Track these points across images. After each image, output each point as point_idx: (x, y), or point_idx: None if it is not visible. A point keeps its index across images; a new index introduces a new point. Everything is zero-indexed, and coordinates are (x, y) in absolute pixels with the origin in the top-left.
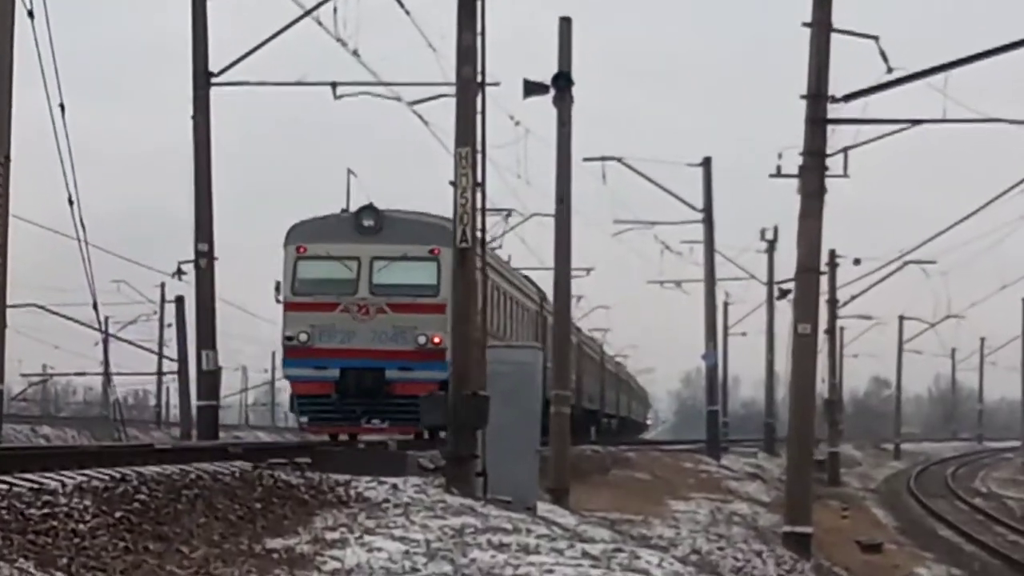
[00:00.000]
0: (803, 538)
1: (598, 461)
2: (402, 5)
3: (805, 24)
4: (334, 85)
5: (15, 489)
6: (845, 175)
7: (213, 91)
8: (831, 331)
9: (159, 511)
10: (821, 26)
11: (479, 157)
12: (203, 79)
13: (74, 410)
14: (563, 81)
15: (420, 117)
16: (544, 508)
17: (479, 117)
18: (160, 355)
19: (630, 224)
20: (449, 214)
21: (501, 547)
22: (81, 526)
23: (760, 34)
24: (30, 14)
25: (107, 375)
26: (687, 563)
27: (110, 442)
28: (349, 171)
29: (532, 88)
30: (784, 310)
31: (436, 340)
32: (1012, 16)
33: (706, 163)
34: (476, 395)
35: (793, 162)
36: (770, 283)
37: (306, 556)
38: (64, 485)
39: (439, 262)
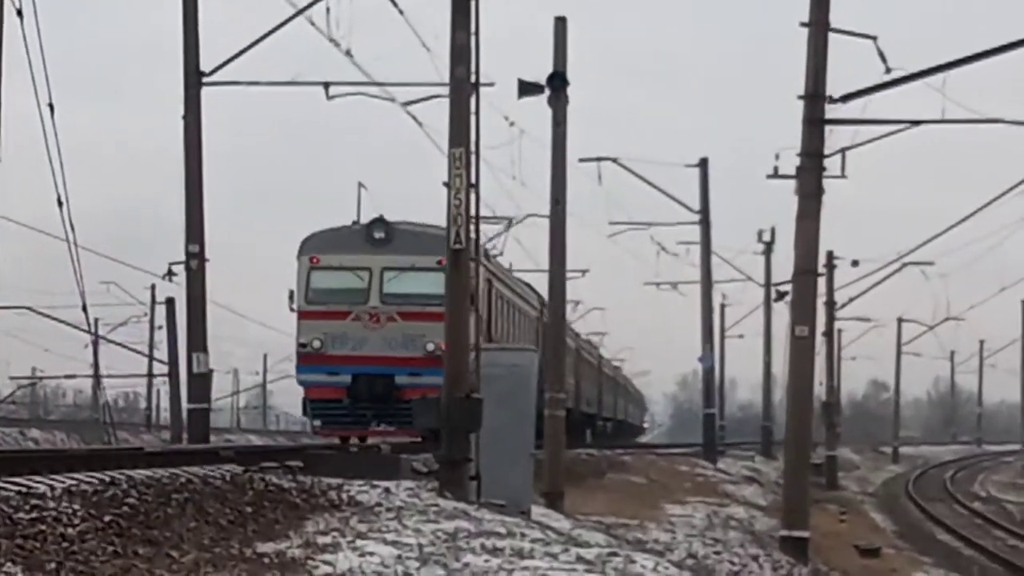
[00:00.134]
0: (800, 542)
1: (593, 464)
2: (395, 5)
3: (803, 24)
4: (327, 85)
5: (3, 493)
6: (843, 176)
7: (205, 91)
8: (829, 333)
9: (149, 515)
10: (819, 26)
11: (473, 158)
12: (194, 78)
13: (63, 413)
14: (558, 81)
15: (414, 117)
16: (538, 512)
17: (473, 117)
18: (150, 357)
19: (626, 225)
20: (444, 216)
21: (495, 551)
22: (70, 530)
23: (758, 34)
24: (19, 13)
25: (97, 378)
26: (683, 568)
27: (100, 445)
28: (360, 184)
29: (527, 88)
30: (781, 312)
31: (444, 347)
32: (1011, 16)
33: (703, 164)
34: (470, 397)
35: (791, 163)
36: (767, 285)
37: (297, 560)
38: (53, 489)
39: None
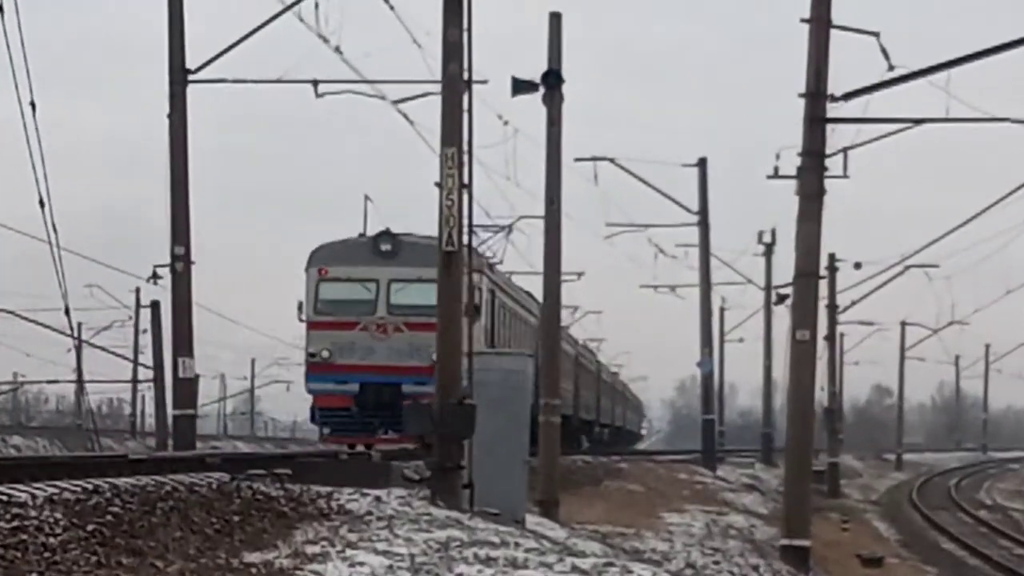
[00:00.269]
0: (801, 552)
1: (589, 472)
2: (386, 0)
3: (804, 20)
4: (315, 83)
5: None
6: (845, 176)
7: (190, 89)
8: (831, 337)
9: (133, 524)
10: (820, 22)
11: (466, 158)
12: (180, 76)
13: (46, 419)
14: (553, 79)
15: (405, 116)
16: (533, 521)
17: (466, 116)
18: (135, 362)
19: (623, 227)
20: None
21: (488, 561)
22: (52, 540)
23: (758, 31)
24: None
25: (80, 383)
26: None
27: (83, 452)
28: (366, 197)
29: (521, 86)
30: (782, 316)
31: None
32: (1017, 12)
33: (701, 164)
34: (463, 403)
35: (791, 163)
36: (768, 288)
37: (286, 571)
38: (34, 497)
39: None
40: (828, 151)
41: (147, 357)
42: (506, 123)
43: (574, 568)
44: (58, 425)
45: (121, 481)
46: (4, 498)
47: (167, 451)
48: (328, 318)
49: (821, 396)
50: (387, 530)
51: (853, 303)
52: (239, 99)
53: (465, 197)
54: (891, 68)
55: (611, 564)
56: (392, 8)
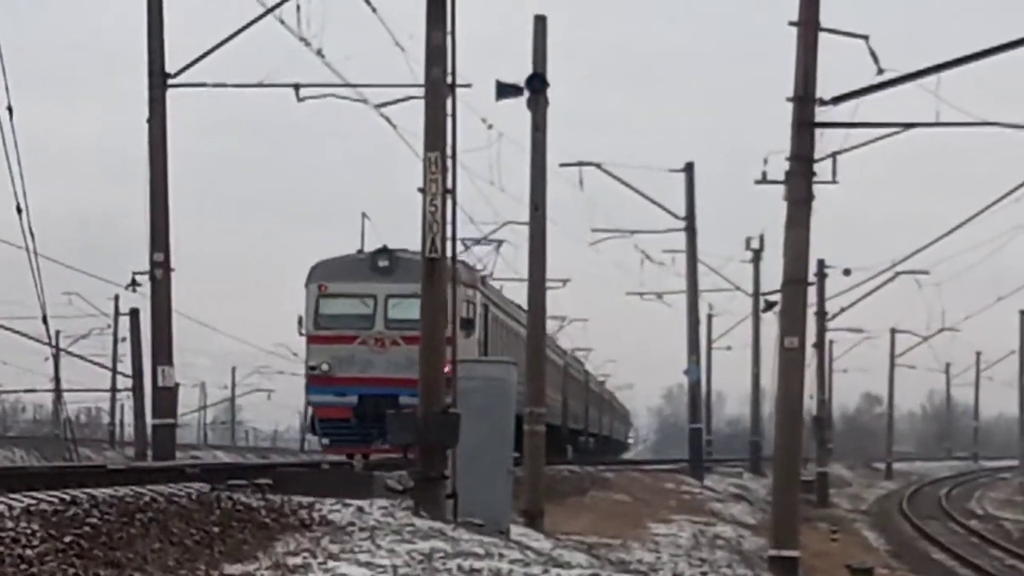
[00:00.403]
0: (790, 562)
1: (575, 482)
2: (368, 3)
3: (792, 23)
4: (297, 87)
5: None
6: (834, 181)
7: (170, 93)
8: (819, 345)
9: (111, 535)
10: (808, 25)
11: (449, 162)
12: (159, 80)
13: (23, 429)
14: (538, 83)
15: (387, 120)
16: (517, 531)
17: (449, 120)
18: (114, 371)
19: (609, 233)
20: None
21: (472, 573)
22: (29, 551)
23: (746, 34)
24: None
25: (58, 392)
26: None
27: (60, 463)
28: (363, 215)
29: (505, 90)
30: (770, 323)
31: (445, 369)
32: (1007, 15)
33: (688, 169)
34: (446, 412)
35: (779, 168)
36: (756, 294)
37: None
38: (11, 508)
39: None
40: (817, 156)
41: (126, 366)
42: (490, 127)
43: None
44: (35, 435)
45: (99, 492)
46: None
47: (146, 461)
48: (328, 332)
49: (810, 404)
50: (369, 541)
51: (842, 310)
52: (220, 103)
53: (449, 203)
54: (880, 72)
55: (597, 575)
56: (375, 11)
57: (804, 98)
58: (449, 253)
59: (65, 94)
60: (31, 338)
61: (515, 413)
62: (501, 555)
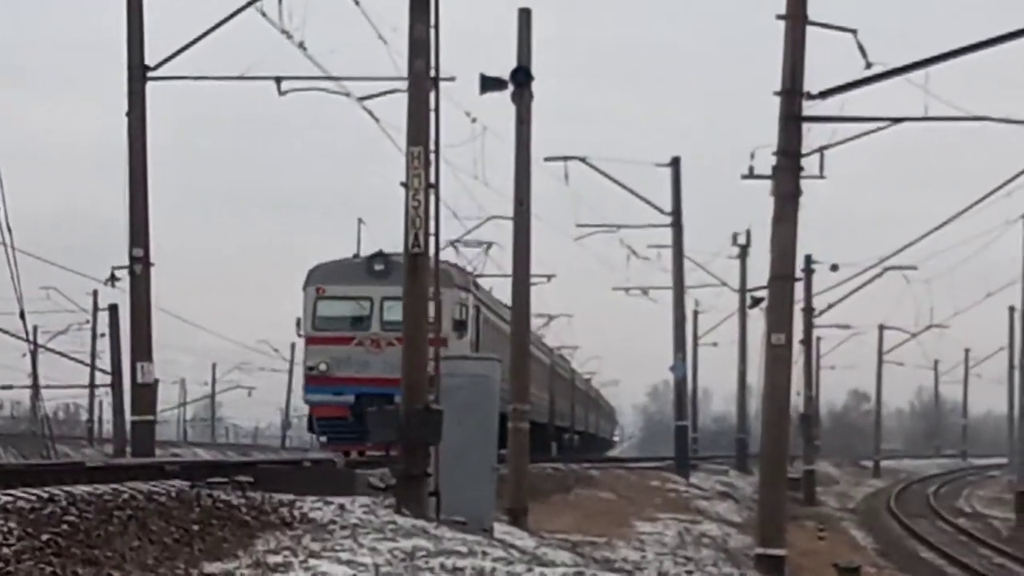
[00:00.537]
0: (776, 561)
1: (559, 479)
2: None
3: (779, 17)
4: (279, 80)
5: None
6: (821, 176)
7: (150, 86)
8: (807, 341)
9: (89, 534)
10: (796, 19)
11: (433, 156)
12: (139, 72)
13: (0, 426)
14: (522, 76)
15: (370, 113)
16: (501, 530)
17: (433, 114)
18: (92, 367)
19: (594, 228)
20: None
21: (455, 571)
22: (5, 550)
23: (734, 27)
24: None
25: (35, 388)
26: None
27: (38, 460)
28: (359, 220)
29: (489, 83)
30: (757, 319)
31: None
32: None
33: (675, 163)
34: (429, 409)
35: (766, 162)
36: (742, 290)
37: None
38: None
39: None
40: (804, 150)
41: (105, 362)
42: (474, 121)
43: None
44: (13, 432)
45: (77, 489)
46: None
47: (125, 458)
48: (325, 333)
49: (797, 401)
50: (351, 539)
51: (830, 306)
52: (200, 97)
53: (432, 197)
54: (869, 66)
55: (581, 574)
56: (357, 3)
57: (791, 92)
58: (432, 248)
59: (54, 91)
60: (8, 333)
61: (499, 410)
62: (484, 553)
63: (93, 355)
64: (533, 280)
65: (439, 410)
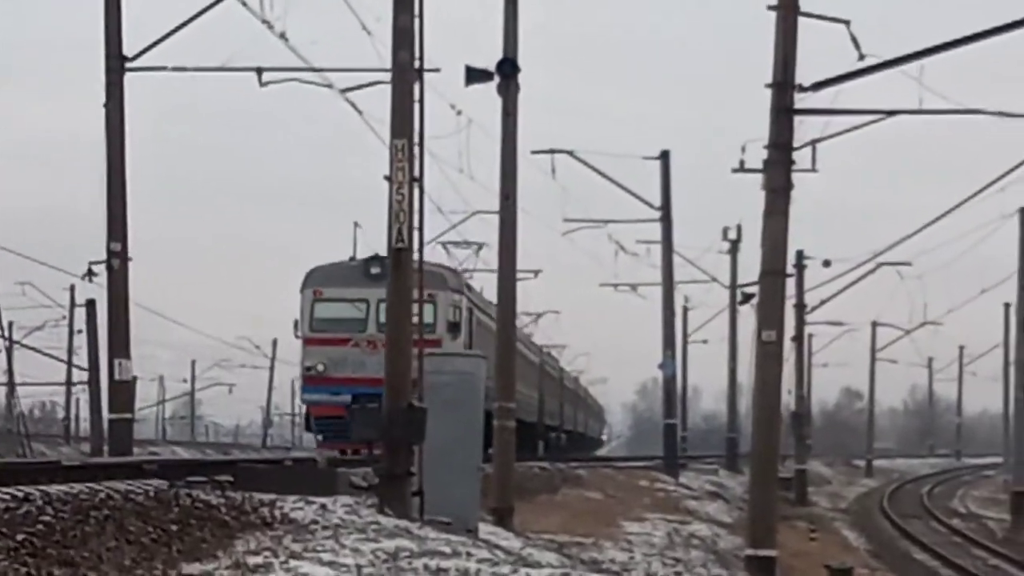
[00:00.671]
0: (767, 562)
1: (546, 479)
2: None
3: (771, 7)
4: (259, 71)
5: None
6: (813, 170)
7: (128, 77)
8: (798, 338)
9: (65, 534)
10: (788, 10)
11: (417, 149)
12: (116, 63)
13: None
14: (508, 68)
15: (353, 105)
16: (486, 530)
17: (417, 106)
18: (69, 364)
19: (582, 222)
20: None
21: (439, 572)
22: None
23: (724, 18)
24: None
25: (11, 385)
26: None
27: (13, 458)
28: (355, 224)
29: (475, 75)
30: (748, 316)
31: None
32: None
33: (664, 157)
34: (412, 407)
35: (758, 156)
36: (733, 286)
37: None
38: None
39: (435, 303)
40: (796, 144)
41: (82, 358)
42: (459, 113)
43: None
44: None
45: (53, 488)
46: None
47: (102, 457)
48: (323, 335)
49: (788, 399)
50: (333, 540)
51: (822, 302)
52: (179, 88)
53: (416, 191)
54: (862, 57)
55: (568, 575)
56: None
57: (783, 84)
58: (416, 243)
59: (27, 84)
60: None
61: (485, 408)
62: (469, 554)
63: (70, 351)
64: (519, 276)
65: (423, 408)
